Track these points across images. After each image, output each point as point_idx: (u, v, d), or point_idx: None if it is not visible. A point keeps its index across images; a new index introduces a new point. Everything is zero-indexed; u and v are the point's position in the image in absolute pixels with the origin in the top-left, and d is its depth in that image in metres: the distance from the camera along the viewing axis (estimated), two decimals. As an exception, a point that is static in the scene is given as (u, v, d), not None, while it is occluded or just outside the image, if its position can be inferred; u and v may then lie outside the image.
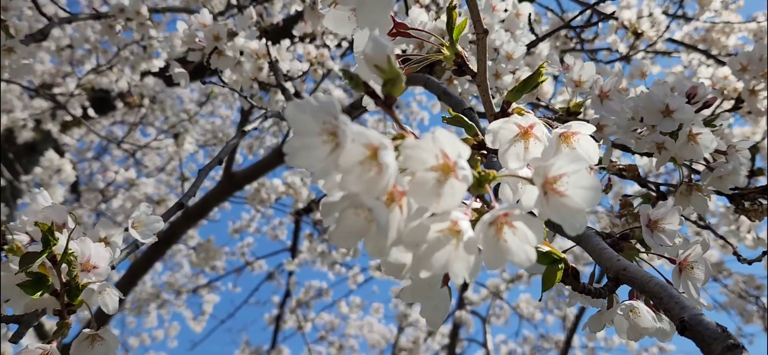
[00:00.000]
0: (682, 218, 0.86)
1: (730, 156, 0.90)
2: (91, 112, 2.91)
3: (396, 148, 0.45)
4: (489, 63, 1.17)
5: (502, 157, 0.58)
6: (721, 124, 0.94)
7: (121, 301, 0.87)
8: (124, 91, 2.92)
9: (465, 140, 0.66)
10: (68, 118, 3.01)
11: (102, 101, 3.38)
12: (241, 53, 1.39)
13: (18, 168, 3.40)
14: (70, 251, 0.72)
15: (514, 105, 0.66)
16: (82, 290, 0.77)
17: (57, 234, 0.72)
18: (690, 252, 0.70)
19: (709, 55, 2.55)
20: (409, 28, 0.66)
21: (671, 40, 2.70)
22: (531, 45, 1.47)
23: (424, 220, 0.46)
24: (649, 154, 0.93)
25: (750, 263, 0.95)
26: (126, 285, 3.44)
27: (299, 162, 0.44)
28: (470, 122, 0.68)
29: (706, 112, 0.94)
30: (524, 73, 1.13)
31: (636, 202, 1.07)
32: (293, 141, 0.43)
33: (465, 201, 0.53)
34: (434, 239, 0.46)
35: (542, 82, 0.65)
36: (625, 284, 0.65)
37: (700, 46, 2.66)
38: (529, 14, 1.22)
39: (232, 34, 1.30)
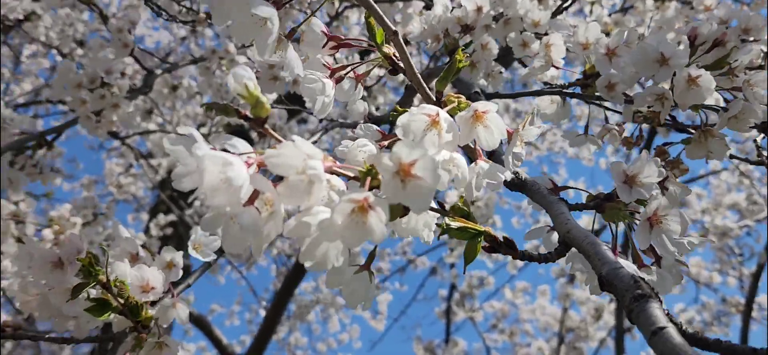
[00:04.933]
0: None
1: (745, 92, 0.85)
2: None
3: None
4: (512, 35, 1.18)
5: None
6: (738, 60, 0.88)
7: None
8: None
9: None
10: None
11: (240, 134, 3.71)
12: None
13: (182, 204, 3.86)
14: (114, 278, 0.87)
15: (446, 93, 0.70)
16: (142, 307, 0.92)
17: (115, 264, 0.89)
18: (656, 205, 0.69)
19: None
20: (344, 38, 0.73)
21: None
22: None
23: (303, 217, 0.53)
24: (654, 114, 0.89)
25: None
26: (285, 295, 3.77)
27: (185, 185, 0.53)
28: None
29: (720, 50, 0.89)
30: (554, 39, 1.11)
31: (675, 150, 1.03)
32: (178, 169, 0.53)
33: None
34: (316, 232, 0.53)
35: (462, 67, 0.68)
36: (572, 246, 0.67)
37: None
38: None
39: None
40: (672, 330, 0.49)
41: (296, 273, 3.64)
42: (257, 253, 0.52)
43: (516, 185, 0.80)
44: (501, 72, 1.19)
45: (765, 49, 1.07)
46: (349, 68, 0.72)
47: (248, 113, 0.54)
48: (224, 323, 7.18)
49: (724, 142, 0.87)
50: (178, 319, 1.03)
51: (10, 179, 1.81)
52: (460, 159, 0.63)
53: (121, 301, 0.90)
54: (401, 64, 0.71)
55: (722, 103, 0.92)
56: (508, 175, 0.65)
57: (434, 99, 0.71)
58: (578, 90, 1.04)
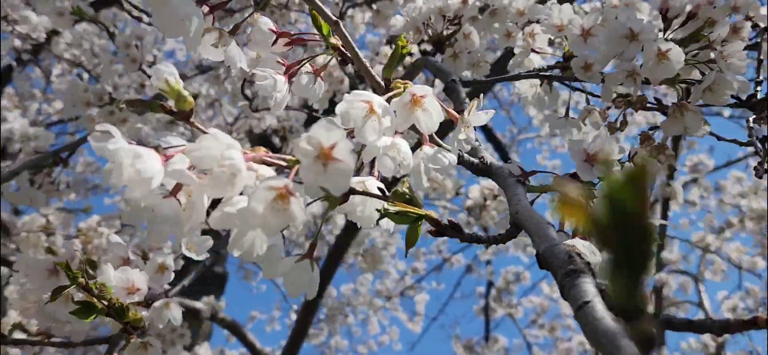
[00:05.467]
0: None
1: (719, 64, 0.82)
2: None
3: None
4: (495, 25, 1.17)
5: (361, 133, 0.62)
6: (714, 31, 0.85)
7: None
8: (276, 128, 3.26)
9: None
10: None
11: (262, 140, 3.77)
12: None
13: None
14: (94, 281, 0.89)
15: (395, 80, 0.70)
16: (127, 309, 0.94)
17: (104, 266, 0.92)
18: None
19: None
20: (294, 34, 0.73)
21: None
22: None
23: (224, 207, 0.53)
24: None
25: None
26: (315, 298, 3.79)
27: (113, 181, 0.54)
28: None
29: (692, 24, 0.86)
30: (538, 29, 1.10)
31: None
32: (107, 166, 0.54)
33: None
34: (238, 221, 0.54)
35: (407, 53, 0.68)
36: (521, 227, 0.66)
37: None
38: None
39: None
40: (597, 303, 0.48)
41: (324, 275, 3.66)
42: (181, 241, 0.53)
43: (481, 170, 0.79)
44: (487, 61, 1.18)
45: (762, 25, 1.03)
46: (303, 63, 0.72)
47: (172, 108, 0.55)
48: (265, 329, 7.27)
49: (700, 117, 0.84)
50: (172, 319, 1.05)
51: (30, 198, 1.87)
52: (403, 144, 0.63)
53: (105, 303, 0.92)
54: (349, 54, 0.71)
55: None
56: (453, 159, 0.64)
57: (383, 86, 0.71)
58: (558, 73, 1.02)
